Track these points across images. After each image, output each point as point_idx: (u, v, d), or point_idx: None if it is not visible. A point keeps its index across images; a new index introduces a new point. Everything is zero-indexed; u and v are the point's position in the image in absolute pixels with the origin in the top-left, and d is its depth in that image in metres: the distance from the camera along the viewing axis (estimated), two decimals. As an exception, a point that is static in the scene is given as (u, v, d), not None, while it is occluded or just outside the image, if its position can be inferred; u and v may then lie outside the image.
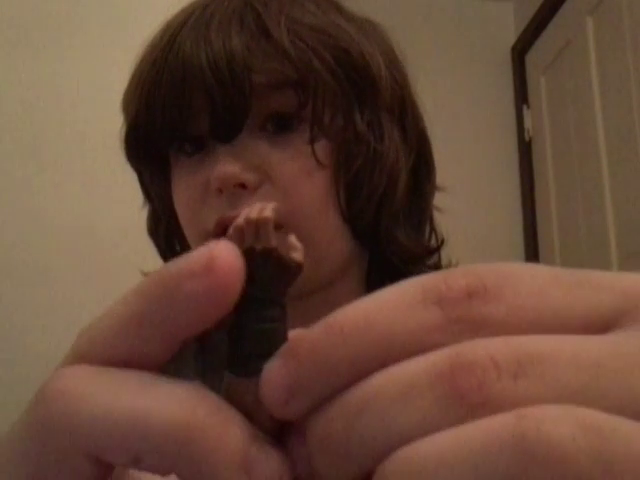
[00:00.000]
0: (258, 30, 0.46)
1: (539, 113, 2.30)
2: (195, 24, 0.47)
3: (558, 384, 0.14)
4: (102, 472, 0.17)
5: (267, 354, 0.16)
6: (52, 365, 0.19)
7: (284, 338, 0.17)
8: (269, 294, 0.17)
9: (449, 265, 0.56)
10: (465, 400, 0.14)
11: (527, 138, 2.35)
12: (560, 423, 0.13)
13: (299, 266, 0.17)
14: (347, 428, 0.15)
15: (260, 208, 0.17)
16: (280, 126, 0.47)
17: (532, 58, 2.38)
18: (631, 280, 0.17)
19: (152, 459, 0.16)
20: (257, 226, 0.17)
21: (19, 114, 1.35)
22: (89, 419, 0.16)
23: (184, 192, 0.49)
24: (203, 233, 0.48)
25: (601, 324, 0.16)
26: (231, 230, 0.17)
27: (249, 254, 0.17)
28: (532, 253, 2.25)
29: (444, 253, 0.56)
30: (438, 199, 0.56)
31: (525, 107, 2.37)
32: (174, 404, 0.16)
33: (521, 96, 2.39)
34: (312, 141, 0.46)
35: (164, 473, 0.16)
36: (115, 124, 0.52)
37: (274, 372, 0.16)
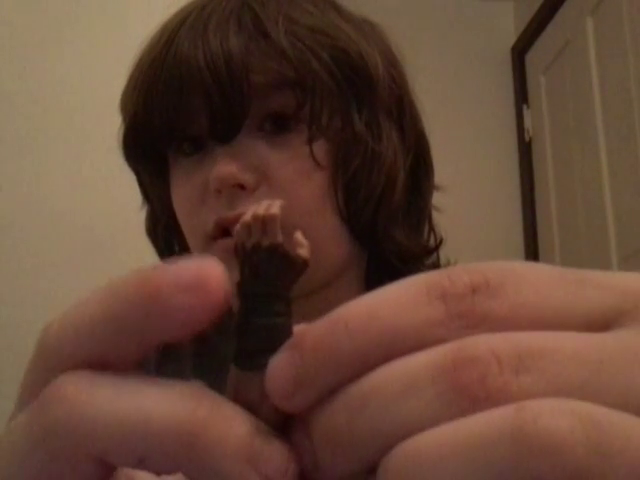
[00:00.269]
0: (256, 30, 0.46)
1: (539, 113, 2.30)
2: (193, 24, 0.47)
3: (559, 379, 0.15)
4: (105, 474, 0.17)
5: (272, 348, 0.17)
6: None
7: (289, 333, 0.17)
8: (275, 289, 0.17)
9: (448, 264, 0.56)
10: (467, 394, 0.15)
11: (527, 138, 2.35)
12: (559, 415, 0.14)
13: (305, 262, 0.18)
14: (351, 421, 0.15)
15: (267, 205, 0.17)
16: (278, 126, 0.47)
17: (532, 58, 2.38)
18: (631, 280, 0.17)
19: (156, 459, 0.16)
20: (264, 222, 0.17)
21: (19, 114, 1.35)
22: (92, 422, 0.16)
23: (183, 192, 0.49)
24: (202, 233, 0.48)
25: (602, 322, 0.16)
26: (238, 226, 0.17)
27: (256, 249, 0.17)
28: (532, 253, 2.25)
29: (443, 253, 0.56)
30: (438, 199, 0.56)
31: (525, 107, 2.37)
32: (176, 403, 0.16)
33: (521, 96, 2.39)
34: (310, 141, 0.46)
35: (169, 472, 0.16)
36: (114, 124, 0.52)
37: (280, 365, 0.16)
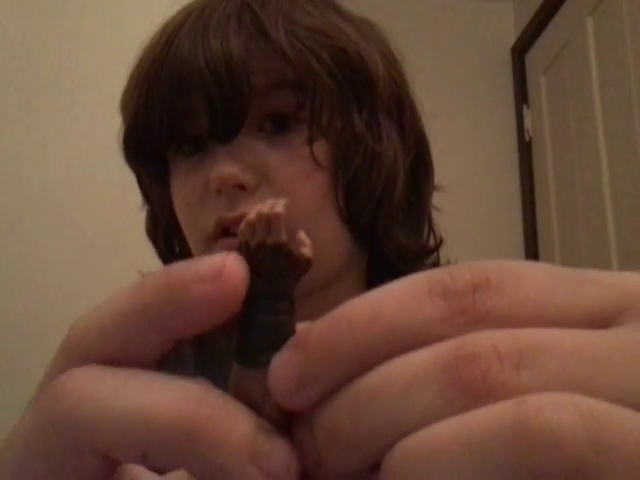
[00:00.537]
0: (256, 31, 0.46)
1: (539, 113, 2.30)
2: (193, 25, 0.47)
3: (559, 375, 0.15)
4: (108, 469, 0.17)
5: (275, 346, 0.17)
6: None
7: (292, 331, 0.17)
8: (278, 288, 0.18)
9: (448, 264, 0.56)
10: (469, 390, 0.15)
11: (527, 138, 2.35)
12: (559, 409, 0.14)
13: (308, 261, 0.18)
14: (354, 418, 0.16)
15: (272, 203, 0.18)
16: (278, 126, 0.47)
17: (532, 58, 2.38)
18: (631, 279, 0.17)
19: (159, 455, 0.16)
20: (268, 221, 0.17)
21: (19, 114, 1.35)
22: (97, 417, 0.16)
23: (183, 193, 0.49)
24: (202, 233, 0.48)
25: (601, 320, 0.16)
26: (242, 224, 0.18)
27: (260, 248, 0.17)
28: (532, 253, 2.25)
29: (443, 253, 0.56)
30: (438, 199, 0.56)
31: (525, 107, 2.37)
32: (180, 400, 0.16)
33: (521, 96, 2.39)
34: (310, 141, 0.46)
35: (172, 468, 0.17)
36: (114, 125, 0.52)
37: (283, 363, 0.16)
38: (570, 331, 0.16)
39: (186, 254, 0.53)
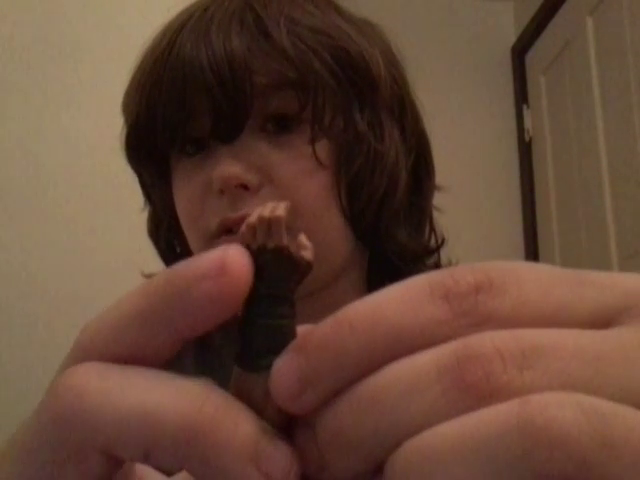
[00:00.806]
0: (258, 31, 0.46)
1: (539, 113, 2.30)
2: (195, 25, 0.47)
3: (562, 375, 0.15)
4: (112, 467, 0.17)
5: (277, 350, 0.17)
6: (55, 364, 0.19)
7: (293, 334, 0.17)
8: (279, 291, 0.18)
9: (449, 265, 0.56)
10: (472, 391, 0.15)
11: (527, 138, 2.35)
12: (564, 407, 0.14)
13: (309, 264, 0.18)
14: (357, 421, 0.16)
15: (273, 207, 0.18)
16: (281, 126, 0.47)
17: (532, 58, 2.38)
18: (632, 280, 0.17)
19: (162, 454, 0.16)
20: (269, 224, 0.17)
21: (21, 116, 1.35)
22: (101, 414, 0.16)
23: (185, 193, 0.49)
24: (204, 234, 0.48)
25: (603, 320, 0.16)
26: (243, 227, 0.18)
27: (261, 251, 0.17)
28: (532, 253, 2.25)
29: (444, 253, 0.56)
30: (438, 199, 0.56)
31: (525, 107, 2.37)
32: (183, 400, 0.16)
33: (521, 96, 2.39)
34: (313, 141, 0.46)
35: (174, 468, 0.17)
36: (116, 125, 0.52)
37: (285, 366, 0.16)
38: (572, 331, 0.16)
39: (187, 254, 0.52)
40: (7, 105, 1.35)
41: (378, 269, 0.54)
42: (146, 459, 0.16)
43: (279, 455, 0.16)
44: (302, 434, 0.17)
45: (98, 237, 1.34)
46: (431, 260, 0.55)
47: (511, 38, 2.46)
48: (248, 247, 0.17)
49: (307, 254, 0.18)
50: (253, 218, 0.17)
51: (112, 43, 1.36)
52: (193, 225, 0.49)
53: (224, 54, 0.44)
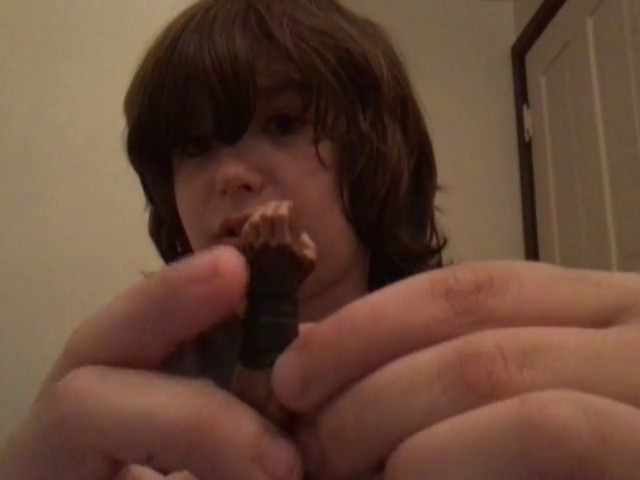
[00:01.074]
0: (261, 32, 0.46)
1: (539, 113, 2.30)
2: (198, 26, 0.47)
3: (562, 374, 0.15)
4: (113, 470, 0.18)
5: (279, 348, 0.17)
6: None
7: (296, 332, 0.17)
8: (282, 289, 0.18)
9: (450, 265, 0.56)
10: (473, 389, 0.15)
11: (527, 138, 2.35)
12: (562, 405, 0.14)
13: (311, 263, 0.18)
14: (359, 419, 0.16)
15: (276, 206, 0.18)
16: (283, 127, 0.47)
17: (532, 58, 2.38)
18: (631, 279, 0.17)
19: (164, 456, 0.16)
20: (272, 223, 0.17)
21: (23, 117, 1.35)
22: (103, 418, 0.16)
23: (187, 193, 0.49)
24: (206, 234, 0.48)
25: (603, 319, 0.16)
26: (246, 226, 0.18)
27: (263, 250, 0.17)
28: (532, 253, 2.25)
29: (445, 253, 0.56)
30: (437, 199, 0.56)
31: (525, 107, 2.37)
32: (185, 401, 0.16)
33: (521, 96, 2.39)
34: (315, 142, 0.46)
35: (177, 470, 0.17)
36: (118, 126, 0.52)
37: (287, 364, 0.16)
38: (572, 330, 0.16)
39: (189, 255, 0.52)
40: (7, 105, 1.35)
41: (380, 269, 0.54)
42: (148, 461, 0.16)
43: (282, 453, 0.16)
44: (304, 431, 0.17)
45: (99, 237, 1.34)
46: (433, 260, 0.55)
47: (511, 38, 2.46)
48: (251, 245, 0.18)
49: (309, 253, 0.18)
50: (256, 217, 0.18)
51: (115, 43, 1.36)
52: (195, 225, 0.49)
53: (227, 55, 0.44)
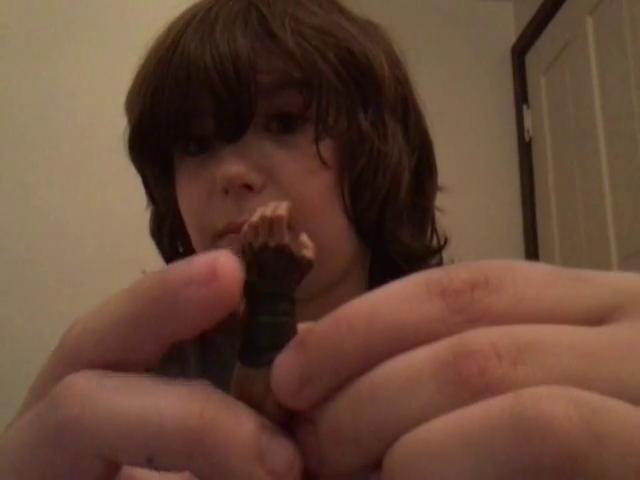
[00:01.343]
0: (262, 30, 0.46)
1: (539, 113, 2.30)
2: (199, 25, 0.47)
3: (555, 370, 0.15)
4: (112, 472, 0.18)
5: (278, 346, 0.17)
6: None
7: (294, 331, 0.18)
8: (280, 289, 0.18)
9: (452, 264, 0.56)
10: (468, 386, 0.15)
11: (527, 138, 2.35)
12: (555, 400, 0.14)
13: (310, 263, 0.18)
14: (356, 416, 0.16)
15: (275, 206, 0.18)
16: (284, 126, 0.47)
17: (532, 58, 2.38)
18: (625, 278, 0.18)
19: (165, 458, 0.16)
20: (271, 223, 0.18)
21: (24, 115, 1.35)
22: (102, 421, 0.16)
23: (188, 192, 0.49)
24: (208, 233, 0.48)
25: (597, 317, 0.17)
26: (245, 227, 0.18)
27: (262, 250, 0.18)
28: (532, 253, 2.25)
29: (445, 253, 0.56)
30: (438, 199, 0.57)
31: (525, 107, 2.38)
32: (184, 403, 0.16)
33: (521, 96, 2.39)
34: (316, 141, 0.46)
35: (178, 471, 0.17)
36: (119, 125, 0.52)
37: (285, 362, 0.17)
38: (566, 327, 0.16)
39: (190, 254, 0.52)
40: (8, 105, 1.35)
41: (380, 269, 0.54)
42: (149, 463, 0.16)
43: (281, 451, 0.16)
44: (302, 429, 0.17)
45: (99, 237, 1.34)
46: (434, 260, 0.55)
47: (511, 38, 2.47)
48: (250, 245, 0.18)
49: (308, 253, 0.18)
50: (255, 217, 0.18)
51: (116, 42, 1.36)
52: (196, 225, 0.49)
53: (229, 53, 0.44)
